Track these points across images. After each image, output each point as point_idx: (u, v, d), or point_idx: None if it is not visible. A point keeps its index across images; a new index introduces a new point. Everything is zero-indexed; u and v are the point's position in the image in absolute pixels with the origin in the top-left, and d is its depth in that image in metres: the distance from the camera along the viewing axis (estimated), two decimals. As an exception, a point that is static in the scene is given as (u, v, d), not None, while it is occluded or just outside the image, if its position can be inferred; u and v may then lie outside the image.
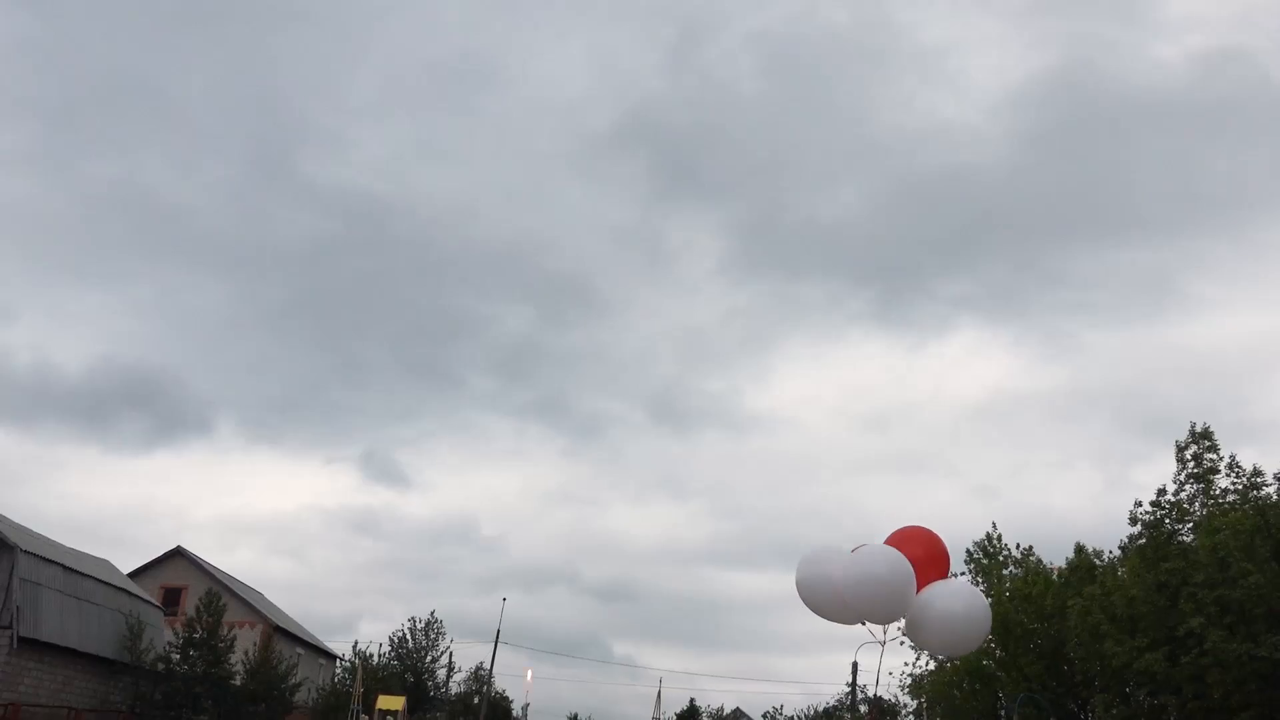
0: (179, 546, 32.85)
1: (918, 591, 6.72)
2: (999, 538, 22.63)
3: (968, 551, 21.99)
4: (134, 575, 29.54)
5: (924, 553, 7.06)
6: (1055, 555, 21.49)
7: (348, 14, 74.28)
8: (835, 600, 6.95)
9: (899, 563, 6.63)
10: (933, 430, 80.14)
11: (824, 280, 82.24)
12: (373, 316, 78.65)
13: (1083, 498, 65.27)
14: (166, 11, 71.63)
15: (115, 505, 68.91)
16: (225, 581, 31.96)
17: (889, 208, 73.28)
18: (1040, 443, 77.04)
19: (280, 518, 72.40)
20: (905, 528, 7.43)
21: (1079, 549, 20.63)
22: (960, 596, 6.75)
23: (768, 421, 79.37)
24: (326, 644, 37.78)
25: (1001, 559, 21.85)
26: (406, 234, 74.89)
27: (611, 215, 77.16)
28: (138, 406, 77.48)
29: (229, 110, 75.71)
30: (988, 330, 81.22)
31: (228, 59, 74.36)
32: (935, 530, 7.37)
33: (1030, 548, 22.26)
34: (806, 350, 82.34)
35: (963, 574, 20.62)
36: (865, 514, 73.85)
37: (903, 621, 6.87)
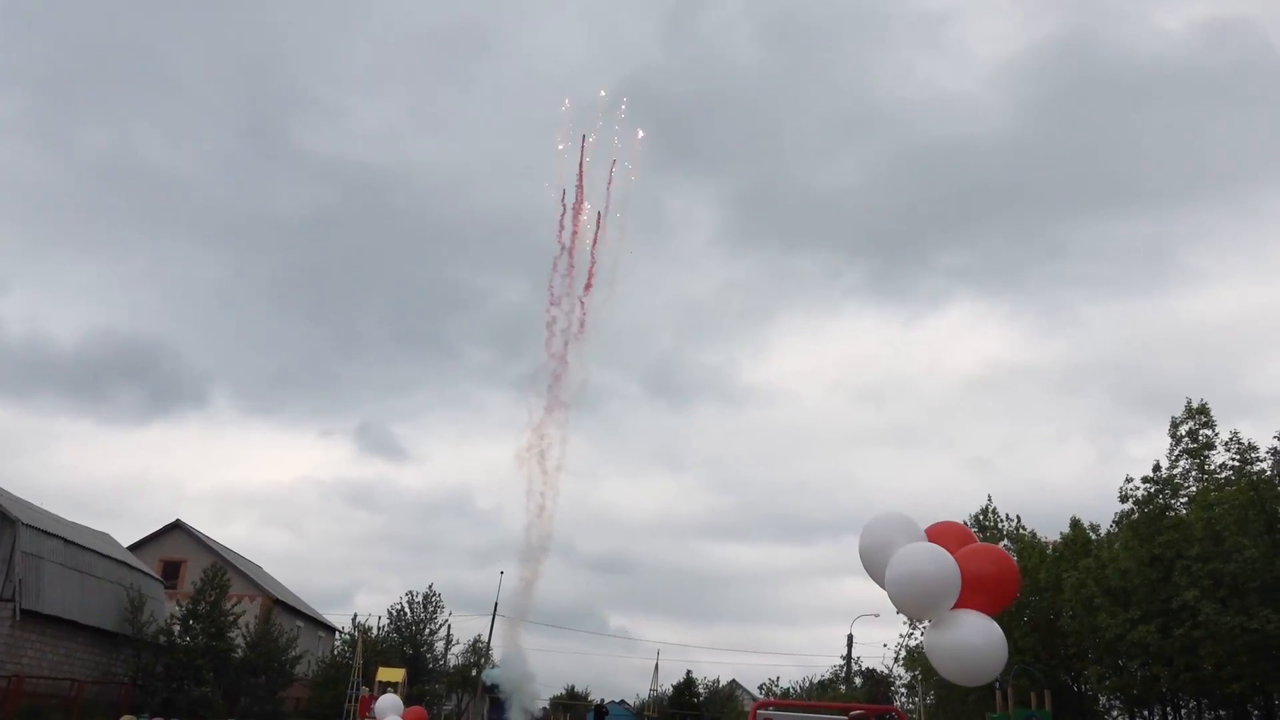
0: (178, 520, 33.00)
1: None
2: (994, 511, 22.82)
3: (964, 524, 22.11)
4: (133, 548, 29.68)
5: (993, 575, 6.62)
6: (1050, 529, 21.67)
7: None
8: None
9: (950, 583, 6.41)
10: (929, 403, 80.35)
11: (821, 252, 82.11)
12: (369, 288, 78.39)
13: (1078, 471, 65.56)
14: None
15: (111, 477, 69.09)
16: (225, 555, 32.13)
17: (887, 178, 73.02)
18: (1036, 416, 77.27)
19: (277, 490, 72.65)
20: (979, 546, 7.08)
21: (1075, 523, 20.79)
22: (978, 631, 6.51)
23: (764, 394, 79.48)
24: (325, 616, 38.04)
25: (998, 532, 22.03)
26: (403, 205, 74.53)
27: (609, 182, 76.72)
28: (133, 379, 77.48)
29: (223, 79, 75.09)
30: (984, 303, 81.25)
31: (221, 27, 73.67)
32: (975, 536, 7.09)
33: (1018, 518, 22.45)
34: (803, 323, 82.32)
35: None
36: (861, 488, 74.20)
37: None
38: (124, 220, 76.06)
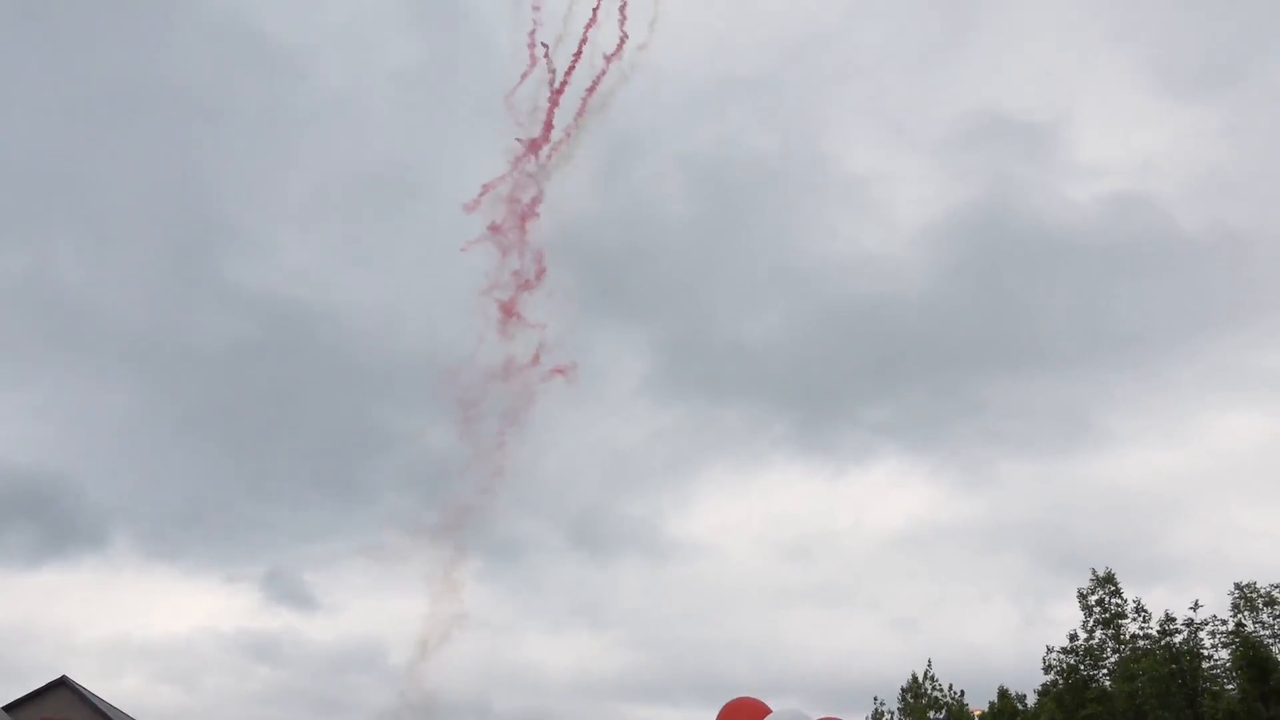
0: (64, 676, 30.60)
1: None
2: (932, 677, 22.66)
3: (901, 690, 21.92)
4: (11, 708, 27.33)
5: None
6: (978, 695, 21.59)
7: (278, 116, 74.92)
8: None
9: None
10: (854, 561, 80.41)
11: (747, 404, 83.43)
12: (286, 427, 76.15)
13: (1002, 633, 65.83)
14: (89, 99, 71.23)
15: (-9, 626, 63.93)
16: (113, 717, 29.80)
17: (812, 333, 75.56)
18: (960, 575, 77.91)
19: (173, 641, 68.01)
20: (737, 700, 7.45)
21: (1003, 694, 20.78)
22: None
23: (689, 548, 78.70)
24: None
25: (927, 701, 21.82)
26: (328, 342, 73.47)
27: (536, 329, 77.32)
28: (26, 517, 73.04)
29: (150, 206, 74.59)
30: (908, 458, 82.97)
31: (152, 153, 73.77)
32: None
33: (962, 692, 22.32)
34: (729, 476, 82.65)
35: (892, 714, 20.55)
36: (789, 648, 72.97)
37: None
38: (34, 346, 73.68)
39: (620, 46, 27.61)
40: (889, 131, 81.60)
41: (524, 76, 27.96)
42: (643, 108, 62.91)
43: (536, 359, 26.40)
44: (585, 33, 28.15)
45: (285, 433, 78.35)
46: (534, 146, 28.83)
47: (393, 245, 79.33)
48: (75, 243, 70.16)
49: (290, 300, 73.16)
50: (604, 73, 28.11)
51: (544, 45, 27.49)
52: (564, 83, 28.79)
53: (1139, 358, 73.66)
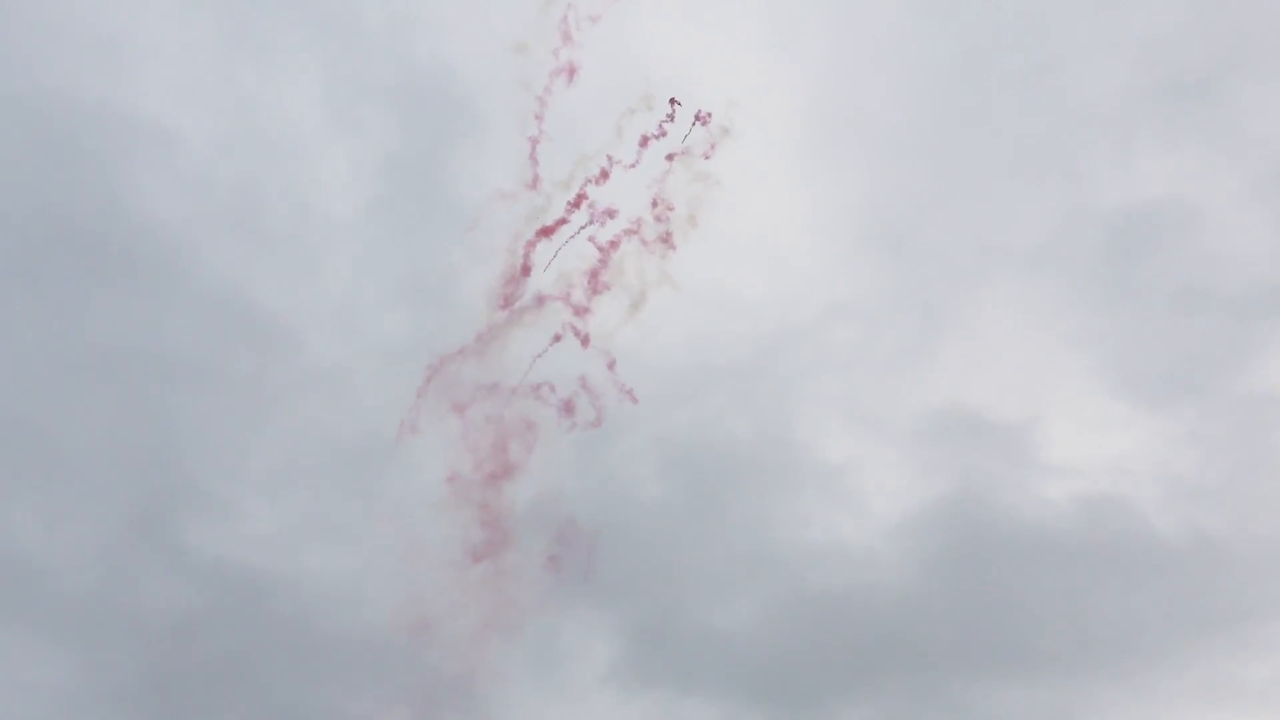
0: None
1: None
2: None
3: None
4: None
5: None
6: None
7: (264, 386, 75.25)
8: None
9: None
10: None
11: (719, 696, 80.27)
12: (230, 703, 72.37)
13: None
14: (73, 361, 71.24)
15: None
16: None
17: (786, 624, 73.58)
18: None
19: None
20: None
21: None
22: None
23: None
24: None
25: None
26: (286, 612, 70.64)
27: (504, 610, 75.08)
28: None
29: (118, 468, 73.27)
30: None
31: (129, 416, 73.30)
32: None
33: None
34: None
35: None
36: None
37: None
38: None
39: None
40: (862, 424, 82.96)
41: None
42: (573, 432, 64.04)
43: (500, 637, 25.73)
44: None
45: (228, 708, 74.16)
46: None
47: (363, 517, 78.18)
48: (33, 500, 68.46)
49: (250, 568, 71.00)
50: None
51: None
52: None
53: (1123, 665, 72.08)
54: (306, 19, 54.04)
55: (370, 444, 72.31)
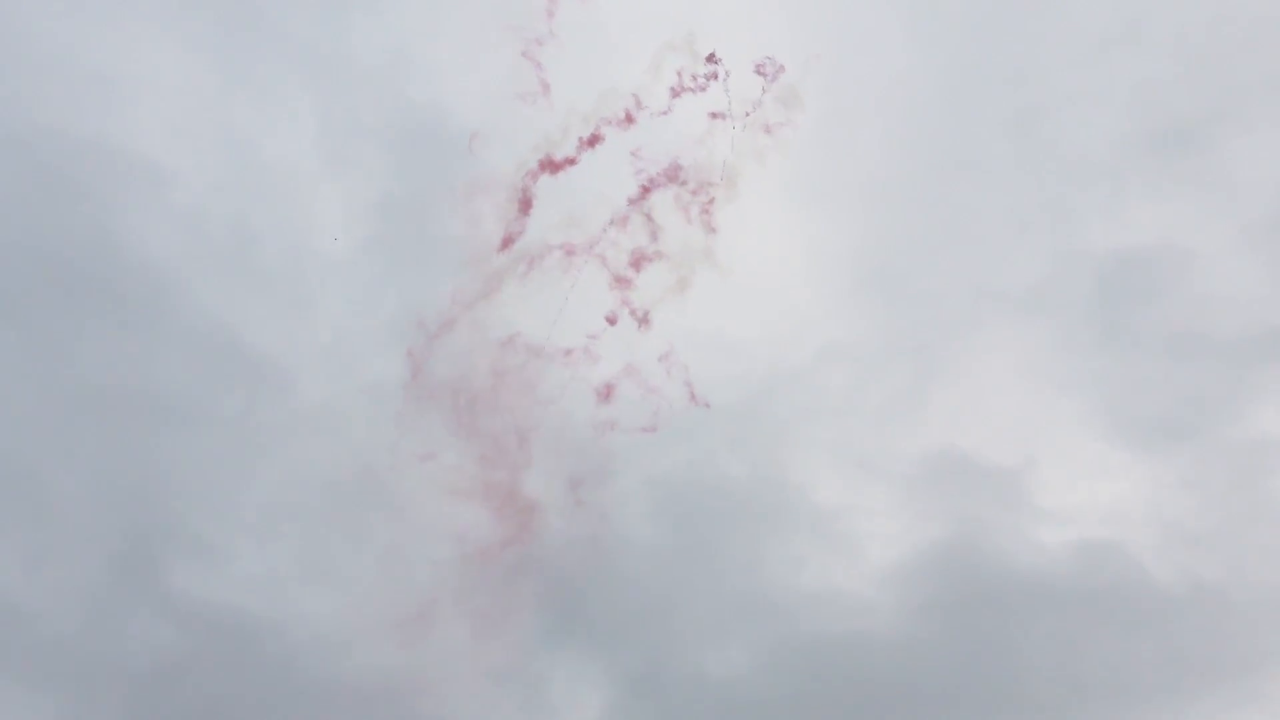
0: None
1: None
2: None
3: None
4: None
5: None
6: None
7: (253, 426, 74.56)
8: None
9: None
10: None
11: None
12: (216, 749, 71.03)
13: None
14: (60, 401, 70.52)
15: None
16: None
17: (779, 670, 72.63)
18: None
19: None
20: None
21: None
22: None
23: None
24: None
25: None
26: (274, 656, 69.64)
27: (494, 655, 73.99)
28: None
29: (104, 509, 72.31)
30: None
31: (116, 456, 72.44)
32: None
33: None
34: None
35: None
36: None
37: None
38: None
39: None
40: (856, 468, 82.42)
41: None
42: (613, 434, 63.50)
43: (489, 682, 24.94)
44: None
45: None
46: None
47: (352, 558, 77.29)
48: (14, 540, 67.55)
49: (236, 610, 70.06)
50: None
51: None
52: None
53: (1120, 710, 71.26)
54: (301, 58, 53.89)
55: (361, 485, 71.55)
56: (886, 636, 73.65)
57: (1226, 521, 71.67)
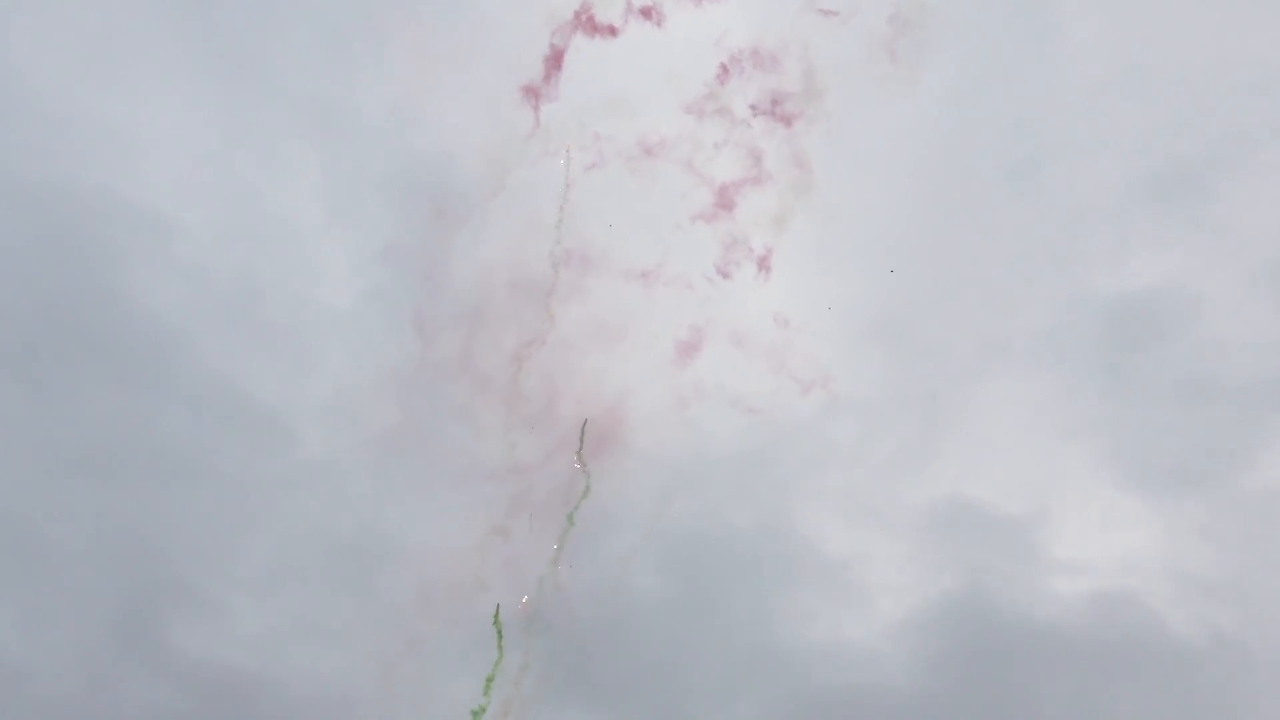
0: None
1: None
2: None
3: None
4: None
5: None
6: None
7: (256, 481, 73.82)
8: None
9: None
10: None
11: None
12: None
13: None
14: (63, 455, 69.91)
15: None
16: None
17: (788, 722, 71.14)
18: None
19: None
20: None
21: None
22: None
23: None
24: None
25: None
26: (272, 714, 68.44)
27: (495, 710, 72.65)
28: None
29: (104, 564, 71.38)
30: None
31: (117, 511, 71.68)
32: None
33: None
34: None
35: None
36: None
37: None
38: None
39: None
40: (865, 518, 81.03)
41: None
42: (619, 482, 62.77)
43: None
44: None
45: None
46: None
47: (354, 616, 76.06)
48: (14, 598, 66.54)
49: (235, 669, 68.90)
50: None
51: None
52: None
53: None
54: (306, 113, 53.93)
55: (362, 541, 70.61)
56: (898, 689, 71.67)
57: (1245, 571, 70.05)
